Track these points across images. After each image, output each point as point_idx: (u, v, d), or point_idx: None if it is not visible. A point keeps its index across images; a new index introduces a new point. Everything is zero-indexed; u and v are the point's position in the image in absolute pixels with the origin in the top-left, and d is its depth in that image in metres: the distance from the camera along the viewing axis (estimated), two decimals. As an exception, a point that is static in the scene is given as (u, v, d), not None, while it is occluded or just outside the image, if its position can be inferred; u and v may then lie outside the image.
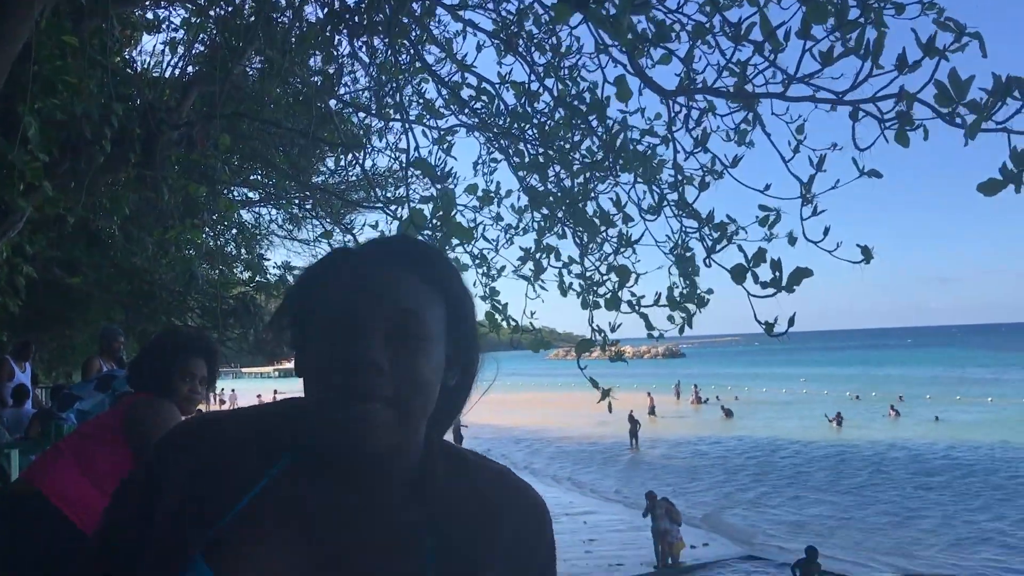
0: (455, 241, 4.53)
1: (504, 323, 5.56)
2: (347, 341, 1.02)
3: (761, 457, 30.25)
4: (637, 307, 4.94)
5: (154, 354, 3.47)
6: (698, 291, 4.95)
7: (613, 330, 5.13)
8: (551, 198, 5.53)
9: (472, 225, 5.61)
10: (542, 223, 5.67)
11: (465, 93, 5.80)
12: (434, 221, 4.31)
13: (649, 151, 5.12)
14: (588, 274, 5.47)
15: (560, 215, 5.47)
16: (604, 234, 5.35)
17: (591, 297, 5.35)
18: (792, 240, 4.26)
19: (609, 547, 16.17)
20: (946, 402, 45.65)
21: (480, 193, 5.55)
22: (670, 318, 4.94)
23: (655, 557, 15.76)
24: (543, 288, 5.61)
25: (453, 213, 4.31)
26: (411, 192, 6.60)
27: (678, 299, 4.95)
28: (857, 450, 30.97)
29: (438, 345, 1.09)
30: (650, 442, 33.82)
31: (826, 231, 4.03)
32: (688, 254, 4.95)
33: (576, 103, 5.11)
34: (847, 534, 19.10)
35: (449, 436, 1.25)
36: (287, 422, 1.13)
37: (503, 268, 5.98)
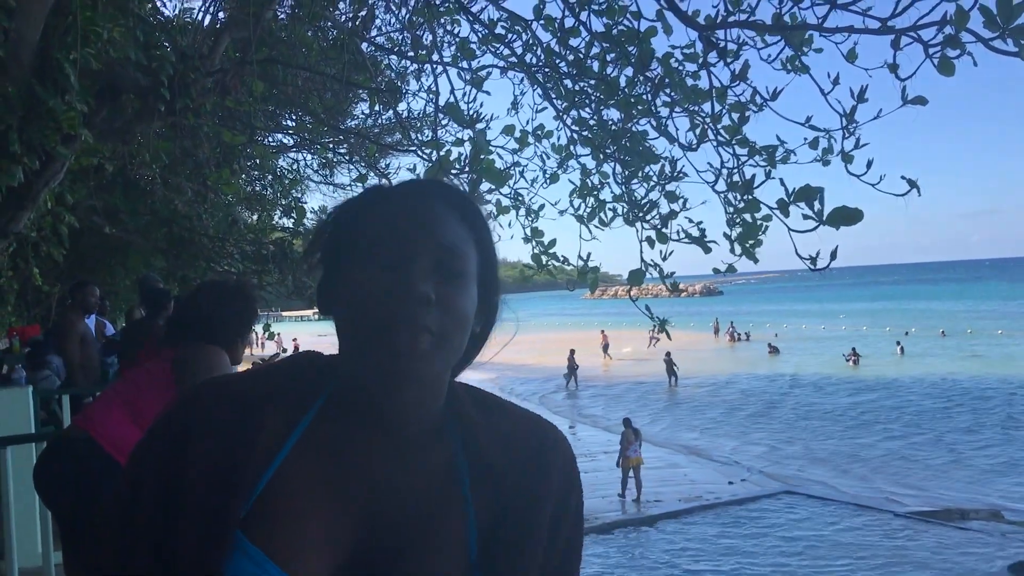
0: (486, 185, 4.49)
1: (552, 262, 5.51)
2: (395, 270, 1.01)
3: (801, 396, 30.19)
4: (694, 236, 4.86)
5: (232, 312, 3.49)
6: (758, 221, 4.84)
7: (665, 259, 5.07)
8: (595, 132, 5.43)
9: (506, 167, 5.55)
10: (592, 156, 5.58)
11: (499, 29, 5.71)
12: (465, 165, 4.28)
13: (688, 77, 5.00)
14: (637, 201, 5.38)
15: (607, 148, 5.37)
16: (650, 167, 5.26)
17: (643, 229, 5.26)
18: (848, 158, 4.19)
19: (647, 484, 16.30)
20: (988, 336, 45.00)
21: (518, 134, 5.48)
22: (732, 251, 4.87)
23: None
24: (598, 227, 5.56)
25: (482, 158, 4.27)
26: (443, 135, 6.53)
27: (732, 235, 4.86)
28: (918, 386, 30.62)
29: (473, 286, 1.08)
30: (687, 380, 33.82)
31: (869, 163, 3.96)
32: (739, 181, 4.84)
33: (615, 32, 4.98)
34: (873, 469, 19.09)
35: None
36: (315, 370, 1.11)
37: (542, 207, 5.92)
